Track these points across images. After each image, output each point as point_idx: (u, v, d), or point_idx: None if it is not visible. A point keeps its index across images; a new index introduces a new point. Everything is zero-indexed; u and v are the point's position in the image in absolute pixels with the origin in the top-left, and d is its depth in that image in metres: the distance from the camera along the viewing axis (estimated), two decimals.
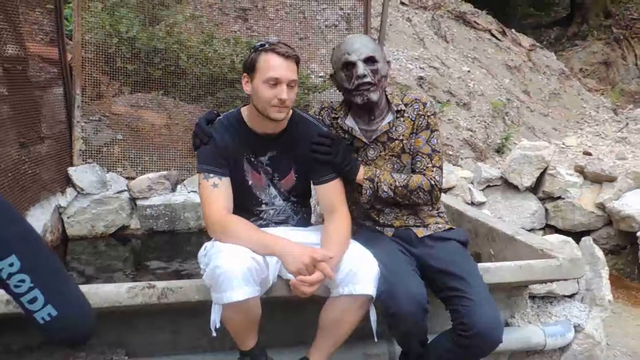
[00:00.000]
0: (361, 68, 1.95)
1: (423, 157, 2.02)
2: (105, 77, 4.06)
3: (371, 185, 1.98)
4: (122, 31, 4.07)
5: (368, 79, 1.95)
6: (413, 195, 1.98)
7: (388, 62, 2.09)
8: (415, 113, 2.04)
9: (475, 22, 7.85)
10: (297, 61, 1.89)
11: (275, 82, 1.82)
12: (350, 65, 1.97)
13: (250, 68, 1.87)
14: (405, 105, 2.06)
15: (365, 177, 1.98)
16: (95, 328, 1.41)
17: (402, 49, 6.36)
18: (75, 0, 3.61)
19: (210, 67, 4.29)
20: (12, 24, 3.08)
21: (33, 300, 1.24)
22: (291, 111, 2.00)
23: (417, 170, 2.02)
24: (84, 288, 1.82)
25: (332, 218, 1.95)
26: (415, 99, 2.07)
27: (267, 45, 1.85)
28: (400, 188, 1.97)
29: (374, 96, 1.98)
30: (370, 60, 1.97)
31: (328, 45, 4.96)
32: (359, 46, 1.98)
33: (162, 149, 3.92)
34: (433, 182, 1.98)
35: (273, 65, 1.82)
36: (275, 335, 2.03)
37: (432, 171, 2.00)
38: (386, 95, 2.09)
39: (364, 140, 2.06)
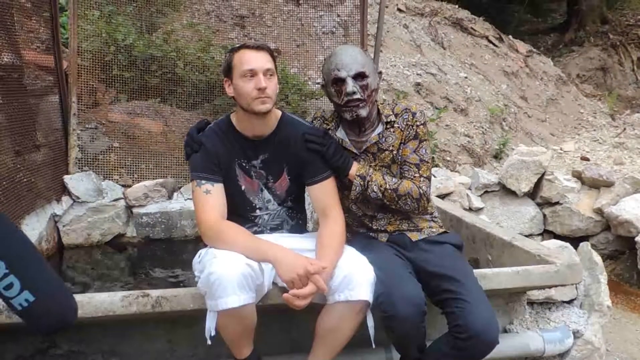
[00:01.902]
0: (350, 85, 1.95)
1: (410, 167, 2.02)
2: (102, 84, 4.05)
3: (362, 183, 1.99)
4: (118, 39, 4.07)
5: (357, 96, 1.96)
6: (400, 201, 1.99)
7: (379, 73, 2.10)
8: (404, 123, 2.05)
9: (472, 28, 7.88)
10: (270, 52, 1.93)
11: (252, 74, 1.86)
12: (339, 81, 1.98)
13: (227, 70, 1.93)
14: (396, 115, 2.07)
15: (358, 173, 1.99)
16: (76, 313, 1.39)
17: (400, 56, 6.37)
18: (71, 8, 3.61)
19: (208, 74, 4.29)
20: (8, 32, 3.07)
21: (9, 287, 1.23)
22: (279, 112, 2.01)
23: (405, 179, 2.02)
24: (77, 297, 1.81)
25: (326, 222, 1.94)
26: (405, 109, 2.07)
27: (239, 46, 1.92)
28: (389, 191, 1.98)
29: (363, 112, 1.99)
30: (359, 76, 1.96)
31: (325, 52, 4.96)
32: (349, 61, 1.97)
33: (159, 157, 3.90)
34: (421, 192, 1.99)
35: (246, 59, 1.88)
36: (271, 344, 2.02)
37: (420, 181, 2.00)
38: (377, 106, 2.09)
39: (354, 151, 2.07)
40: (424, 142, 2.05)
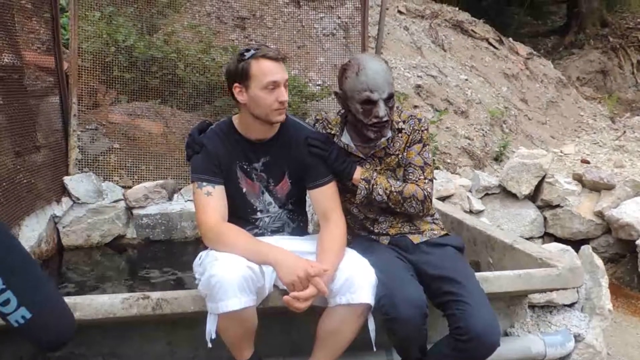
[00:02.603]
0: (383, 109, 1.93)
1: (415, 169, 2.04)
2: (102, 85, 4.05)
3: (367, 186, 1.99)
4: (119, 40, 4.06)
5: (386, 118, 1.95)
6: (406, 203, 1.99)
7: None
8: (411, 128, 2.07)
9: (472, 30, 7.88)
10: (285, 61, 1.93)
11: (275, 86, 1.84)
12: (371, 103, 1.94)
13: (243, 77, 1.85)
14: (404, 122, 2.09)
15: (362, 177, 1.99)
16: (74, 330, 1.38)
17: (400, 58, 6.37)
18: (72, 9, 3.61)
19: (208, 76, 4.29)
20: (8, 32, 3.07)
21: (5, 303, 1.21)
22: None
23: (409, 181, 2.03)
24: (78, 299, 1.82)
25: (327, 225, 1.94)
26: (411, 116, 2.10)
27: (256, 52, 1.85)
28: (395, 194, 1.98)
29: (388, 132, 2.02)
30: (389, 98, 1.96)
31: (326, 53, 4.97)
32: (382, 83, 1.93)
33: (159, 158, 3.90)
34: (426, 194, 2.00)
35: (270, 70, 1.84)
36: (272, 346, 2.01)
37: (425, 183, 2.02)
38: None
39: (361, 155, 2.07)
40: (427, 146, 2.08)
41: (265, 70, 1.83)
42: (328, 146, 1.99)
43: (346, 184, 2.04)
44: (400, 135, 2.07)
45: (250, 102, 1.87)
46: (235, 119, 2.00)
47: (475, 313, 1.72)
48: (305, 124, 2.08)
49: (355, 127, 2.05)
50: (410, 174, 2.04)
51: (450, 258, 1.97)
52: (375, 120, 1.95)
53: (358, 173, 2.00)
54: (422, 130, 2.08)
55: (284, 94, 1.85)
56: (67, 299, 1.76)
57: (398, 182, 2.02)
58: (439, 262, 1.93)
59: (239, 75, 1.86)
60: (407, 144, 2.06)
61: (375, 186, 1.98)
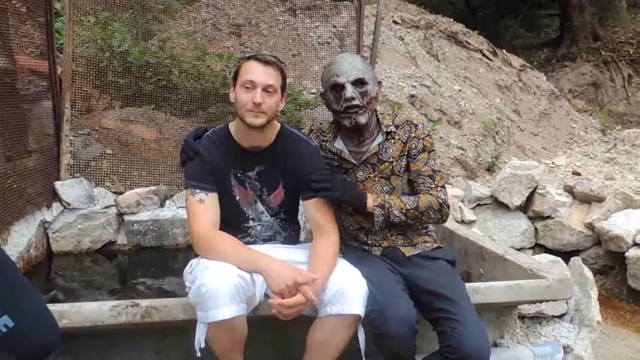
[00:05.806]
0: (349, 91, 1.94)
1: (425, 179, 2.02)
2: (96, 90, 4.04)
3: (382, 212, 1.97)
4: (114, 45, 4.05)
5: (356, 102, 1.94)
6: (424, 216, 1.98)
7: (379, 83, 2.08)
8: (406, 135, 2.04)
9: (466, 41, 7.94)
10: (280, 69, 1.90)
11: (251, 86, 1.85)
12: (338, 87, 1.97)
13: (234, 75, 1.92)
14: (397, 126, 2.05)
15: (376, 204, 1.97)
16: (59, 340, 1.36)
17: (395, 67, 6.40)
18: (67, 14, 3.60)
19: (203, 82, 4.28)
20: (2, 36, 3.05)
21: None
22: (278, 125, 2.00)
23: (421, 192, 2.01)
24: (65, 306, 1.80)
25: (320, 235, 1.94)
26: (407, 121, 2.05)
27: (251, 55, 1.90)
28: (411, 210, 1.97)
29: (363, 119, 1.97)
30: (359, 83, 1.95)
31: (321, 62, 4.98)
32: (348, 68, 1.96)
33: (152, 164, 3.88)
34: (441, 201, 1.98)
35: (251, 69, 1.86)
36: (262, 356, 2.00)
37: (437, 190, 2.00)
38: (377, 116, 2.08)
39: (353, 161, 2.05)
40: (432, 153, 2.05)
41: (248, 69, 1.87)
42: (332, 183, 1.92)
43: (361, 212, 2.01)
44: (392, 141, 2.04)
45: (235, 101, 1.91)
46: (232, 126, 2.00)
47: (466, 332, 1.71)
48: (302, 133, 2.08)
49: (341, 126, 2.04)
50: (421, 184, 2.02)
51: (442, 272, 1.96)
52: (345, 104, 1.95)
53: (370, 201, 1.97)
54: (423, 138, 2.04)
55: (257, 96, 1.83)
56: (54, 306, 1.75)
57: (411, 198, 1.99)
58: (431, 276, 1.92)
59: (233, 75, 1.93)
60: (403, 153, 2.03)
61: (390, 209, 1.96)
